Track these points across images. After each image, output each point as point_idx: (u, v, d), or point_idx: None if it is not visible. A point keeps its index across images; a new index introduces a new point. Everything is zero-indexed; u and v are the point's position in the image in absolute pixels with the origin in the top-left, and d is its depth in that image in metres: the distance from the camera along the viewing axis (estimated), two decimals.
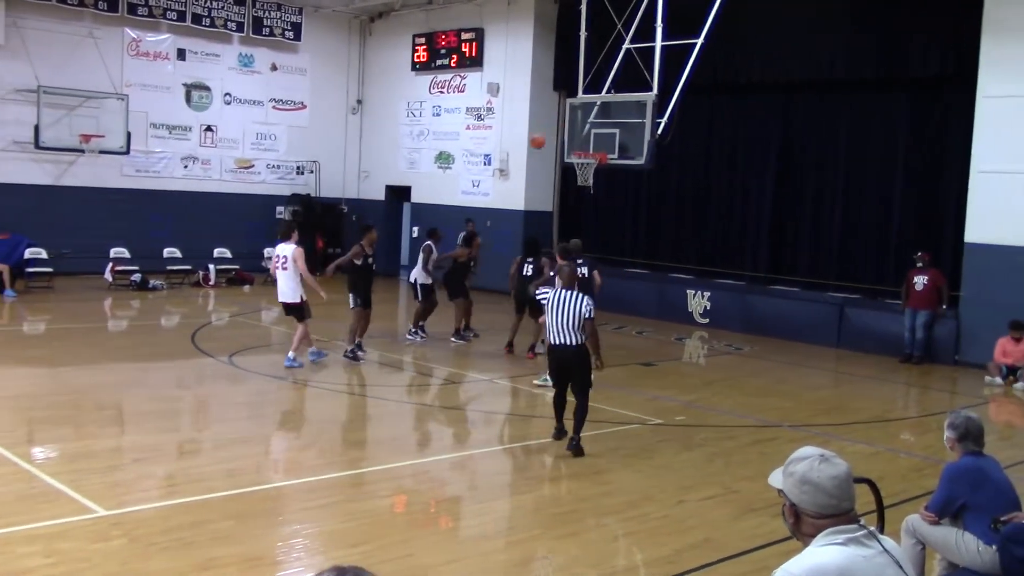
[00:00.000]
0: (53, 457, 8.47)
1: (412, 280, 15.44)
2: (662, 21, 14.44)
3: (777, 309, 17.53)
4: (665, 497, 7.85)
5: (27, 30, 19.85)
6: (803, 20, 17.31)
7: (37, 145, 19.93)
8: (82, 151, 20.36)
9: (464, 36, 22.39)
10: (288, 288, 12.44)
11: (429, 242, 15.39)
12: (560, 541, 6.85)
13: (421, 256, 15.26)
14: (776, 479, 3.05)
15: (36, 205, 20.07)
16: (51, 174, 20.64)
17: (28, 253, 19.03)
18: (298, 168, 24.41)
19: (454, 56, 22.65)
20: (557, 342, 8.98)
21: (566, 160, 16.46)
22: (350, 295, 13.48)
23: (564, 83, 20.54)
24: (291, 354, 12.46)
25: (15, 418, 9.68)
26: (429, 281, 15.16)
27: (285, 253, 12.37)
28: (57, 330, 15.18)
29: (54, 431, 9.33)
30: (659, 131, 14.81)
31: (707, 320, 18.30)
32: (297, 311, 12.54)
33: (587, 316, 8.84)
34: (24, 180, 20.08)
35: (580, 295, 9.05)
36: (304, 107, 24.43)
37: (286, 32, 23.62)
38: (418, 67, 23.52)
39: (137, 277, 19.70)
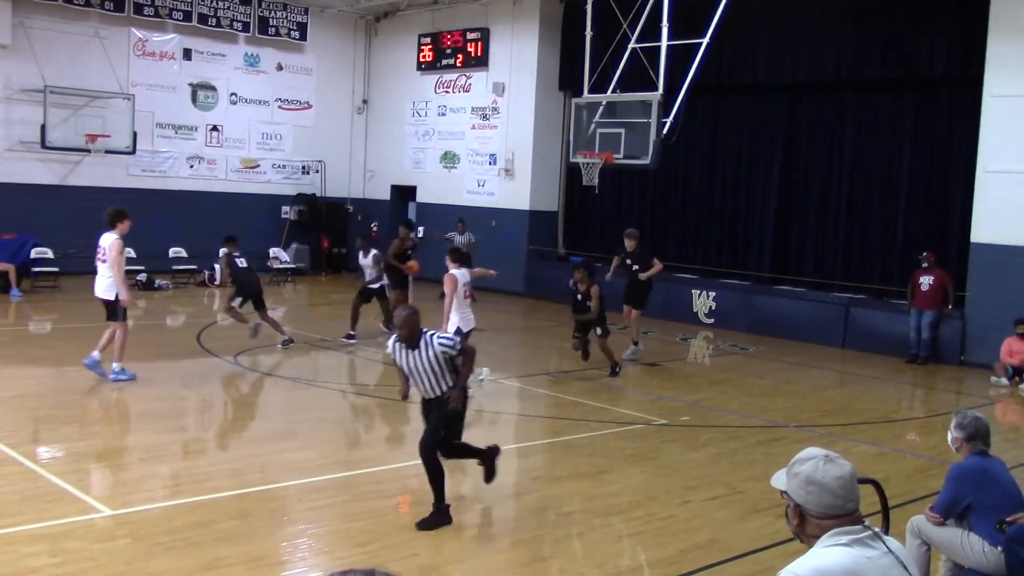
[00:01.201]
0: (58, 457, 8.49)
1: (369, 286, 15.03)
2: (668, 21, 14.43)
3: (782, 309, 17.51)
4: (670, 497, 7.85)
5: (34, 30, 19.90)
6: (808, 20, 17.30)
7: (43, 145, 19.96)
8: (88, 151, 20.40)
9: (469, 36, 22.40)
10: (103, 283, 11.03)
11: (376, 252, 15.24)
12: (565, 541, 6.85)
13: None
14: (779, 480, 3.04)
15: (42, 205, 20.11)
16: (57, 174, 20.68)
17: (34, 253, 19.09)
18: (304, 168, 24.44)
19: (459, 56, 22.66)
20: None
21: (571, 160, 16.46)
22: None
23: (569, 83, 20.55)
24: (115, 365, 11.12)
25: (21, 417, 9.70)
26: (378, 284, 14.97)
27: (105, 244, 10.94)
28: (63, 330, 15.20)
29: (59, 431, 9.35)
30: (664, 131, 14.80)
31: (712, 320, 18.29)
32: (111, 310, 11.15)
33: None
34: (30, 180, 20.13)
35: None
36: (310, 107, 24.45)
37: (292, 32, 23.64)
38: (423, 67, 23.54)
39: (143, 277, 19.73)
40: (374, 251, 15.18)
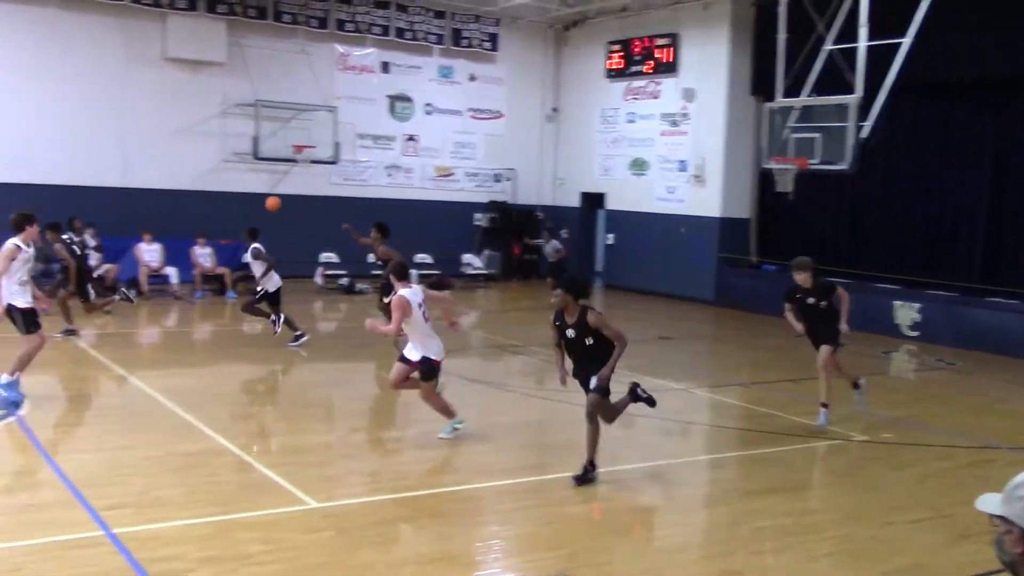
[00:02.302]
0: (269, 450, 9.02)
1: (273, 288, 14.43)
2: (867, 20, 13.88)
3: (994, 321, 16.41)
4: (872, 517, 7.51)
5: (247, 48, 21.21)
6: (1016, 15, 16.10)
7: (256, 156, 21.30)
8: (295, 161, 21.61)
9: (659, 42, 22.24)
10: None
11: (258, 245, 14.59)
12: (758, 557, 6.69)
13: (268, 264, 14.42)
14: (991, 503, 2.83)
15: (254, 212, 21.29)
16: (267, 183, 21.93)
17: (246, 257, 20.31)
18: (495, 176, 24.94)
19: (649, 62, 22.53)
20: None
21: (764, 166, 16.10)
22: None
23: (761, 87, 20.02)
24: (3, 376, 9.74)
25: (234, 412, 10.36)
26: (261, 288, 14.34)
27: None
28: (270, 330, 16.12)
29: (270, 426, 9.94)
30: (864, 134, 14.23)
31: (916, 333, 17.35)
32: (13, 322, 9.89)
33: None
34: (244, 189, 21.44)
35: None
36: (501, 116, 24.92)
37: (484, 43, 24.19)
38: (612, 74, 23.55)
39: (345, 281, 20.71)
40: (255, 245, 14.50)
